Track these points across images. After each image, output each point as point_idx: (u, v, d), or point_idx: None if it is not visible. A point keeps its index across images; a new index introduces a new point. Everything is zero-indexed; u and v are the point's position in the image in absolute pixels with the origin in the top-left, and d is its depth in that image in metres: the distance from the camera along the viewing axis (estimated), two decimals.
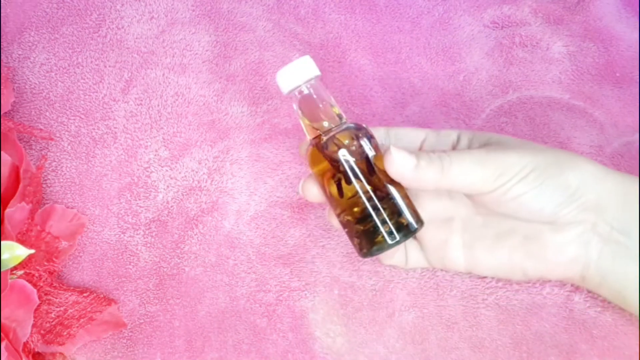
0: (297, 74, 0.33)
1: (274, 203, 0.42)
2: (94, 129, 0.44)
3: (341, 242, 0.40)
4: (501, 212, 0.34)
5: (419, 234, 0.37)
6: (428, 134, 0.36)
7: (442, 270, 0.39)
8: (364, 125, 0.34)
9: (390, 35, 0.47)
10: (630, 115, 0.43)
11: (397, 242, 0.32)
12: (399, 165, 0.32)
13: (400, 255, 0.37)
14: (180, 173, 0.43)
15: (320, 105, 0.33)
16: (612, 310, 0.36)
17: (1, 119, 0.39)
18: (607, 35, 0.46)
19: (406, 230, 0.32)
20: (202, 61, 0.45)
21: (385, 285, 0.39)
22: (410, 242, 0.37)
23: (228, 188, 0.42)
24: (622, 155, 0.42)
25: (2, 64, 0.45)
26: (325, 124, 0.33)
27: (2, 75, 0.42)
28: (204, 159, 0.43)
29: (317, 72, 0.34)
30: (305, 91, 0.34)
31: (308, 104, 0.34)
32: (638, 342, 0.36)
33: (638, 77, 0.44)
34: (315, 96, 0.34)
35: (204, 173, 0.43)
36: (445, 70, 0.45)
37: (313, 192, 0.35)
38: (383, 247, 0.32)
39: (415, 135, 0.37)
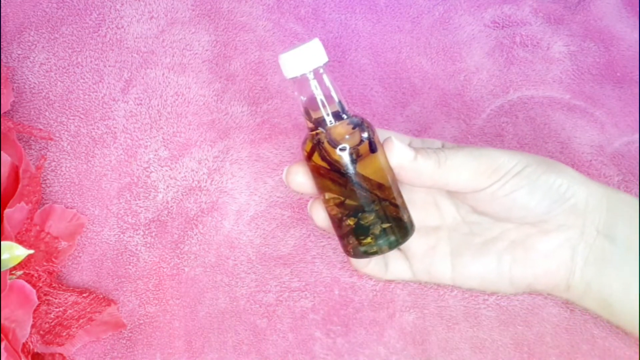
0: (304, 60, 0.31)
1: (274, 203, 0.42)
2: (93, 128, 0.44)
3: None
4: (492, 211, 0.34)
5: (404, 244, 0.37)
6: (412, 141, 0.36)
7: (426, 282, 0.38)
8: (365, 120, 0.32)
9: (390, 34, 0.46)
10: (630, 115, 0.43)
11: (390, 247, 0.32)
12: (399, 154, 0.31)
13: (378, 264, 0.36)
14: (180, 173, 0.42)
15: (322, 97, 0.32)
16: None
17: (1, 119, 0.39)
18: (607, 35, 0.46)
19: (400, 235, 0.32)
20: (202, 61, 0.45)
21: (386, 286, 0.39)
22: (394, 251, 0.36)
23: (228, 188, 0.42)
24: (623, 155, 0.42)
25: (1, 63, 0.44)
26: (326, 116, 0.32)
27: (2, 75, 0.42)
28: (203, 159, 0.43)
29: (325, 59, 0.31)
30: (310, 78, 0.32)
31: (310, 93, 0.32)
32: (638, 343, 0.36)
33: (638, 76, 0.44)
34: (318, 86, 0.32)
35: (203, 173, 0.42)
36: (445, 70, 0.45)
37: (298, 180, 0.33)
38: (372, 249, 0.32)
39: (400, 140, 0.36)
